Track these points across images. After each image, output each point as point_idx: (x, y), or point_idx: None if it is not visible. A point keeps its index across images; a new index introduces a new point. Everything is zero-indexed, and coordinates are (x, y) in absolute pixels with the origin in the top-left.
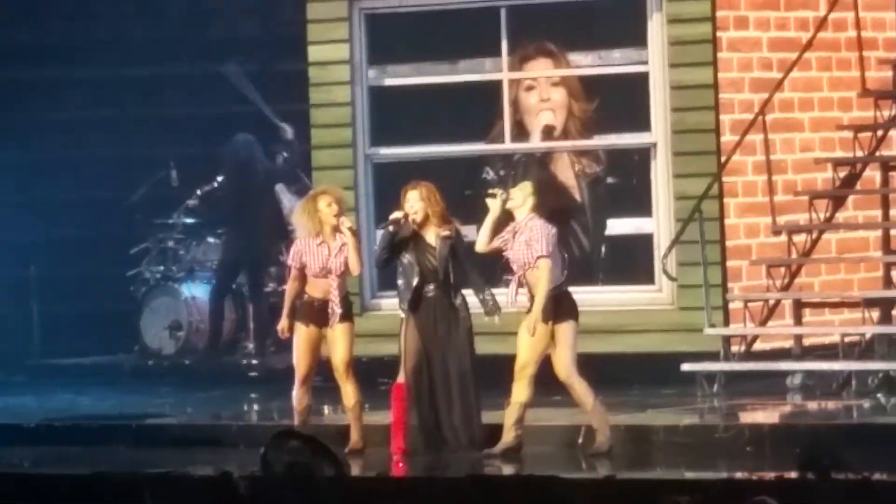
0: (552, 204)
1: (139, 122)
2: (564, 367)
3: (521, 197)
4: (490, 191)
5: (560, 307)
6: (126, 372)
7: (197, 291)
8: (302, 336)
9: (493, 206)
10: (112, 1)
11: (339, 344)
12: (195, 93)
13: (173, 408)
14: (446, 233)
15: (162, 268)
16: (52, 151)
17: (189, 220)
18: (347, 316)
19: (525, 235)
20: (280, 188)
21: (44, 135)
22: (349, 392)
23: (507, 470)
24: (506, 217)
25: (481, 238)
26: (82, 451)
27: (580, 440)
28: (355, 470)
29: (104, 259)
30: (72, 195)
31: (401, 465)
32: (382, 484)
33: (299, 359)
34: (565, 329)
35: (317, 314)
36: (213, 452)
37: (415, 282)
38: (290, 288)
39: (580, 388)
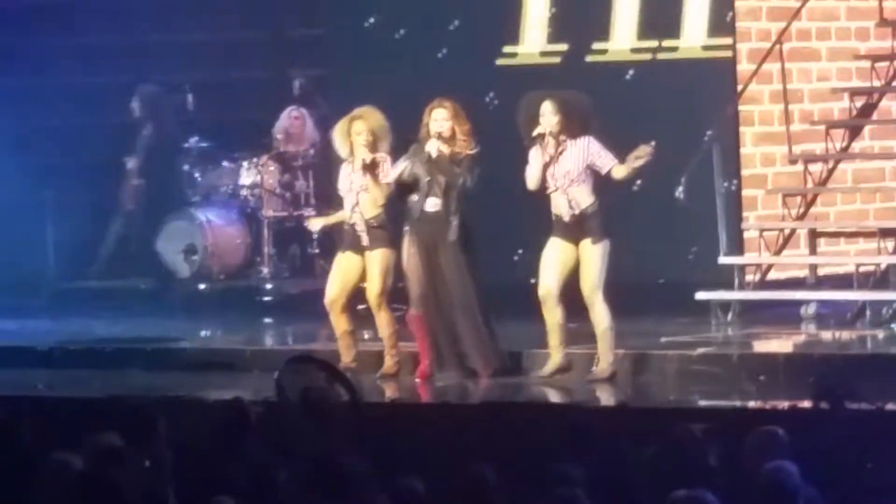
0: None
1: (155, 47)
2: (589, 285)
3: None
4: (537, 132)
5: (590, 226)
6: (141, 296)
7: (212, 215)
8: (336, 260)
9: (544, 145)
10: None
11: (371, 272)
12: (210, 17)
13: (188, 332)
14: (472, 150)
15: (178, 192)
16: (68, 76)
17: (204, 144)
18: (382, 242)
19: (574, 151)
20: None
21: (60, 60)
22: (382, 321)
23: (547, 395)
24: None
25: (535, 177)
26: (96, 374)
27: (594, 368)
28: (384, 394)
29: (120, 183)
30: (88, 120)
31: (423, 389)
32: (396, 409)
33: (331, 283)
34: (598, 248)
35: (349, 238)
36: (226, 377)
37: (420, 196)
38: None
39: (599, 310)
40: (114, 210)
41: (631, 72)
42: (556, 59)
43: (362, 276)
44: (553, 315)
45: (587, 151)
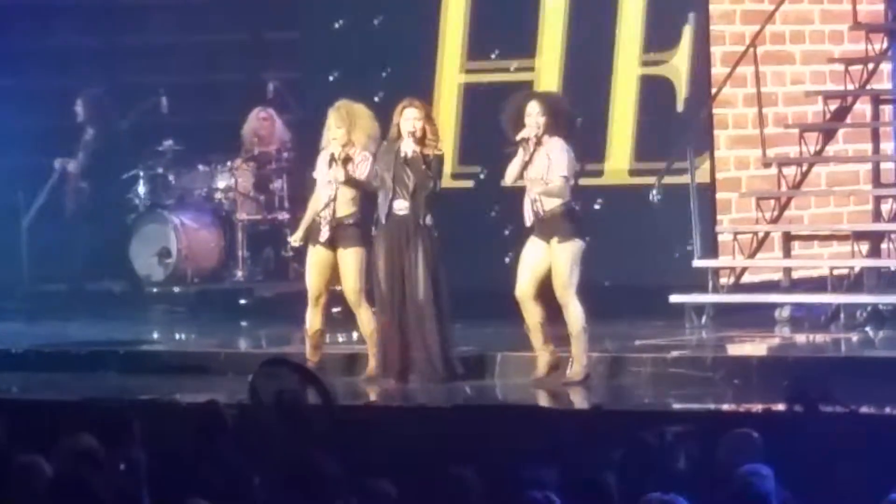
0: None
1: (128, 50)
2: (559, 284)
3: (543, 125)
4: (521, 136)
5: (558, 226)
6: (115, 299)
7: (186, 218)
8: (310, 255)
9: (527, 146)
10: None
11: (346, 271)
12: (185, 19)
13: (162, 335)
14: (440, 152)
15: (151, 195)
16: (42, 78)
17: (179, 147)
18: (357, 240)
19: (542, 153)
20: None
21: (32, 62)
22: (363, 319)
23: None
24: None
25: (513, 174)
26: (70, 378)
27: (567, 372)
28: (358, 397)
29: (94, 186)
30: (61, 122)
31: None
32: (370, 412)
33: (307, 279)
34: (566, 247)
35: (317, 230)
36: (201, 380)
37: (387, 198)
38: (311, 201)
39: (573, 311)
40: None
41: None
42: None
43: (336, 274)
44: (532, 315)
45: (548, 156)
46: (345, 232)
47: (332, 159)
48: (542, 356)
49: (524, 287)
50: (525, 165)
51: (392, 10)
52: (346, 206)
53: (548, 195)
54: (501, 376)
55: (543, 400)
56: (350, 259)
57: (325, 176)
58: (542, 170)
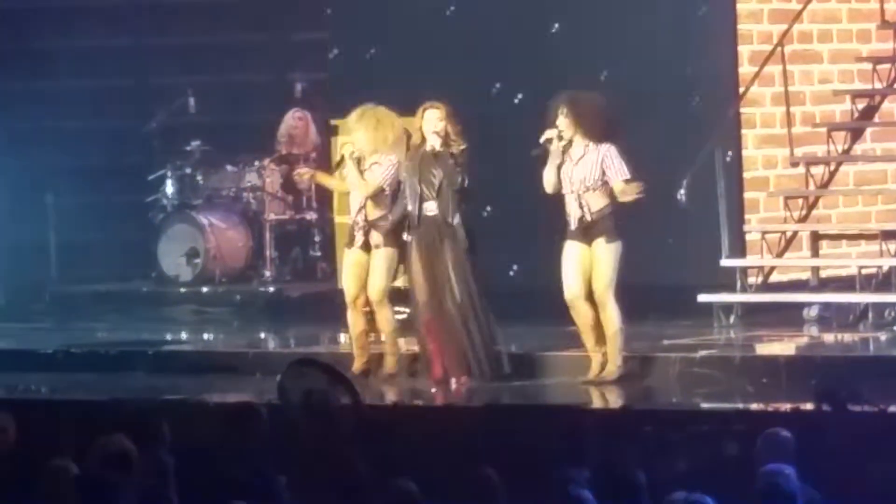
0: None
1: (156, 50)
2: (601, 285)
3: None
4: (545, 137)
5: (603, 227)
6: (143, 299)
7: (214, 218)
8: (345, 258)
9: (554, 148)
10: None
11: (374, 269)
12: (212, 20)
13: (190, 335)
14: (463, 146)
15: (179, 195)
16: (69, 80)
17: (206, 147)
18: (386, 241)
19: (593, 157)
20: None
21: (61, 63)
22: (384, 319)
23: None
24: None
25: (550, 180)
26: (99, 378)
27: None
28: (386, 396)
29: (122, 186)
30: (89, 123)
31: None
32: (398, 412)
33: (344, 282)
34: (612, 248)
35: (352, 234)
36: (229, 380)
37: (415, 200)
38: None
39: (611, 311)
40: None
41: None
42: None
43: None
44: (583, 317)
45: (604, 159)
46: (377, 233)
47: (342, 159)
48: (595, 357)
49: (575, 290)
50: (559, 167)
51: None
52: (376, 208)
53: (623, 196)
54: (534, 376)
55: (575, 399)
56: (379, 258)
57: (350, 181)
58: (593, 171)
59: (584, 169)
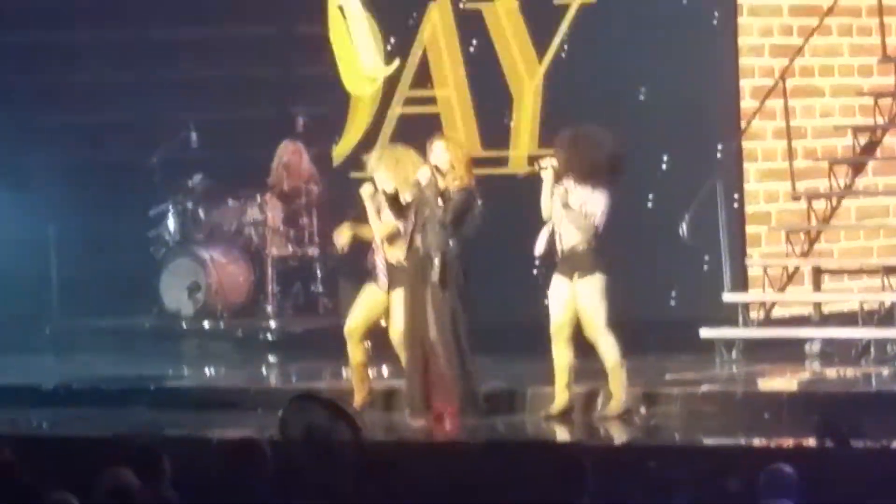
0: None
1: (158, 85)
2: (589, 321)
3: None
4: (539, 163)
5: (580, 262)
6: (144, 334)
7: (216, 253)
8: (364, 292)
9: (547, 176)
10: None
11: (396, 309)
12: (215, 55)
13: (191, 370)
14: (464, 184)
15: (181, 230)
16: (72, 114)
17: (208, 182)
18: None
19: (578, 197)
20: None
21: (64, 97)
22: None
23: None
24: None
25: (545, 207)
26: (100, 413)
27: (598, 407)
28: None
29: (123, 221)
30: (91, 157)
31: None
32: (401, 448)
33: (354, 313)
34: (588, 282)
35: (371, 272)
36: (230, 415)
37: (406, 233)
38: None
39: (605, 346)
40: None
41: None
42: None
43: (385, 312)
44: (563, 355)
45: (585, 199)
46: (399, 273)
47: (363, 200)
48: (562, 397)
49: (558, 323)
50: (551, 196)
51: None
52: (394, 248)
53: (577, 230)
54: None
55: (575, 435)
56: (399, 301)
57: (368, 220)
58: (575, 209)
59: (571, 203)
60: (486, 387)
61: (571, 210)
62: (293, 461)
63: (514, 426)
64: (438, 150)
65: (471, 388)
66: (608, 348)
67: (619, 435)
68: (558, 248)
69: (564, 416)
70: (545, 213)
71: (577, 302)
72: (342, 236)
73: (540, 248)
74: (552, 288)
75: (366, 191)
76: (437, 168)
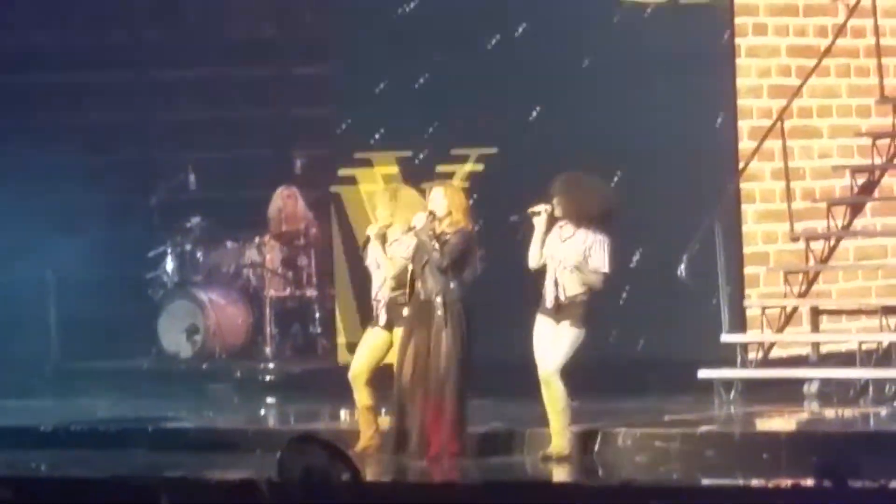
0: (588, 209)
1: (157, 126)
2: (556, 364)
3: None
4: (532, 209)
5: (573, 312)
6: (143, 376)
7: (214, 295)
8: (366, 335)
9: (539, 222)
10: (129, 4)
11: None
12: (213, 96)
13: (190, 411)
14: (462, 227)
15: (180, 271)
16: (71, 155)
17: (206, 224)
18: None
19: (580, 239)
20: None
21: (62, 139)
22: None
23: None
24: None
25: (533, 256)
26: (100, 455)
27: (596, 447)
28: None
29: (122, 263)
30: (90, 199)
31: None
32: (397, 488)
33: (358, 357)
34: (574, 332)
35: (374, 314)
36: (229, 456)
37: (409, 278)
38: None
39: (559, 388)
40: (116, 288)
41: None
42: None
43: (388, 353)
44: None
45: (588, 246)
46: (399, 311)
47: (368, 239)
48: (557, 434)
49: (547, 366)
50: (544, 243)
51: None
52: (397, 286)
53: (583, 283)
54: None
55: (567, 476)
56: (396, 339)
57: (375, 261)
58: (576, 256)
59: (568, 249)
60: (485, 428)
61: (572, 253)
62: (291, 502)
63: (511, 467)
64: (437, 196)
65: (459, 431)
66: (561, 390)
67: (619, 474)
68: (557, 296)
69: (562, 456)
70: (533, 262)
71: (555, 345)
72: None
73: (532, 258)
74: (538, 331)
75: (372, 229)
76: (434, 213)
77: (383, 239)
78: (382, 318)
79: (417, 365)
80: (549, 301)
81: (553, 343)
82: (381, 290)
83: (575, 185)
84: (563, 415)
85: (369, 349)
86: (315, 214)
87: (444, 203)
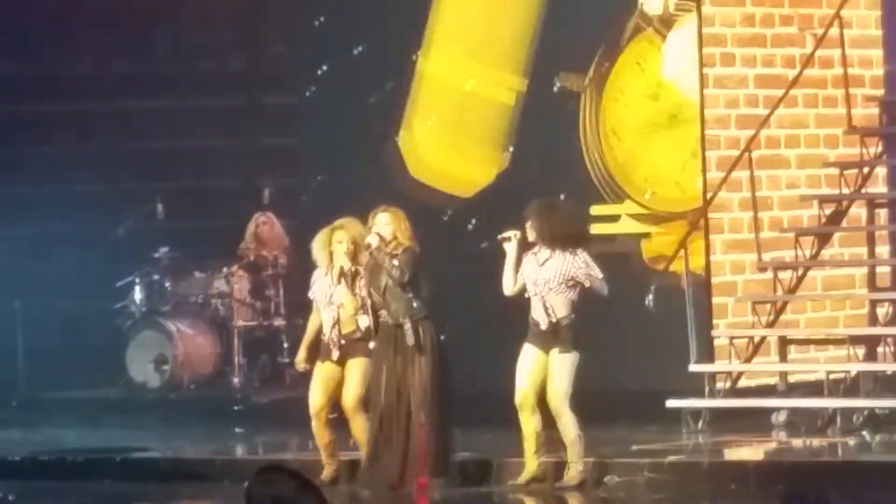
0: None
1: (124, 156)
2: (556, 395)
3: (531, 230)
4: (503, 235)
5: (563, 336)
6: (111, 406)
7: (183, 325)
8: (317, 371)
9: (510, 248)
10: (97, 34)
11: (348, 379)
12: (181, 126)
13: (158, 442)
14: (406, 245)
15: (148, 301)
16: (37, 185)
17: (175, 254)
18: (360, 352)
19: (559, 260)
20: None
21: (29, 169)
22: (359, 426)
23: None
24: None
25: (507, 282)
26: (67, 485)
27: (604, 479)
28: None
29: (90, 293)
30: (57, 229)
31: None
32: None
33: (312, 393)
34: (567, 358)
35: (327, 350)
36: (197, 487)
37: (370, 312)
38: (310, 320)
39: (567, 420)
40: (83, 319)
41: None
42: None
43: (340, 388)
44: (529, 423)
45: (571, 264)
46: (352, 346)
47: (342, 274)
48: (531, 464)
49: (525, 393)
50: (517, 268)
51: None
52: (350, 322)
53: (593, 289)
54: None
55: None
56: (354, 368)
57: (326, 296)
58: (557, 275)
59: (548, 271)
60: (458, 456)
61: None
62: None
63: (485, 496)
64: (382, 221)
65: (447, 457)
66: (571, 422)
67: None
68: (547, 318)
69: (533, 484)
70: (507, 288)
71: (552, 375)
72: (301, 365)
73: (507, 286)
74: (523, 357)
75: (343, 261)
76: (380, 237)
77: (354, 275)
78: (336, 355)
79: (390, 393)
80: (543, 325)
81: (552, 374)
82: (335, 327)
83: (548, 209)
84: (577, 444)
85: (324, 385)
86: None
87: (390, 228)
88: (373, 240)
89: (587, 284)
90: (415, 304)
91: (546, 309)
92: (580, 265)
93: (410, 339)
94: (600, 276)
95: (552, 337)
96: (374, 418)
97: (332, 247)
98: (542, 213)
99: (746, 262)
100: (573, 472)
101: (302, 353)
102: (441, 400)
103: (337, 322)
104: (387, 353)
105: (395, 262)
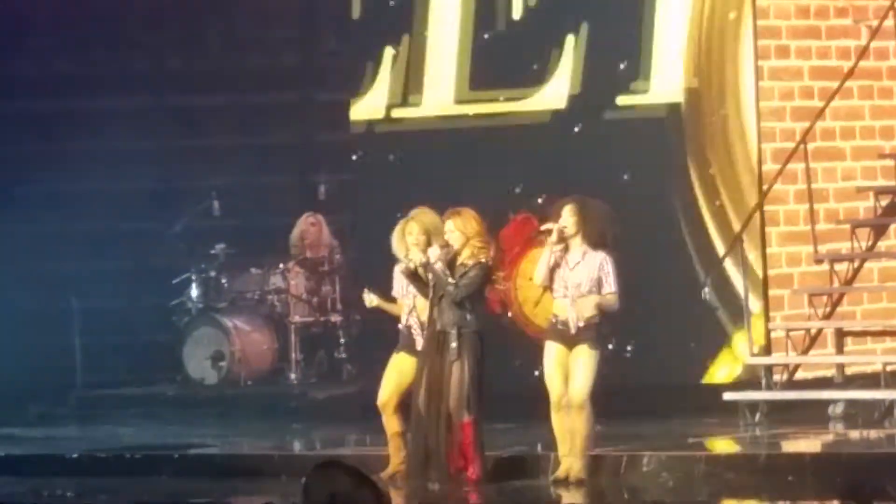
0: (599, 229)
1: (180, 153)
2: (582, 391)
3: (573, 225)
4: (543, 227)
5: (588, 334)
6: (168, 402)
7: (239, 321)
8: (394, 361)
9: (551, 239)
10: (151, 31)
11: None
12: (236, 122)
13: (215, 438)
14: (477, 260)
15: (204, 298)
16: (94, 182)
17: (231, 250)
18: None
19: (591, 264)
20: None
21: (85, 166)
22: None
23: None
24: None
25: (540, 272)
26: (125, 482)
27: (622, 471)
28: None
29: (146, 290)
30: (113, 226)
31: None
32: None
33: (386, 383)
34: (593, 355)
35: (405, 340)
36: (255, 482)
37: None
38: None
39: (588, 414)
40: (140, 315)
41: None
42: None
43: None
44: (566, 421)
45: (600, 268)
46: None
47: (416, 268)
48: (566, 461)
49: (560, 392)
50: (553, 266)
51: None
52: (425, 310)
53: (599, 307)
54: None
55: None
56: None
57: (403, 286)
58: (589, 278)
59: (580, 274)
60: (507, 451)
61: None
62: None
63: (530, 490)
64: (449, 228)
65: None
66: (590, 417)
67: (644, 497)
68: (573, 322)
69: (573, 480)
70: (539, 278)
71: (577, 371)
72: (369, 300)
73: (539, 277)
74: (550, 358)
75: (416, 254)
76: (449, 244)
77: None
78: (413, 343)
79: (432, 393)
80: (571, 325)
81: (576, 370)
82: (411, 317)
83: (582, 207)
84: (588, 440)
85: (398, 375)
86: (340, 241)
87: (457, 234)
88: (432, 253)
89: (603, 291)
90: (468, 317)
91: (574, 310)
92: (606, 271)
93: (453, 353)
94: (615, 289)
95: (577, 336)
96: (414, 414)
97: (405, 238)
98: (585, 207)
99: (803, 255)
100: (576, 468)
101: (376, 298)
102: (475, 403)
103: (413, 308)
104: (431, 354)
105: (451, 280)
